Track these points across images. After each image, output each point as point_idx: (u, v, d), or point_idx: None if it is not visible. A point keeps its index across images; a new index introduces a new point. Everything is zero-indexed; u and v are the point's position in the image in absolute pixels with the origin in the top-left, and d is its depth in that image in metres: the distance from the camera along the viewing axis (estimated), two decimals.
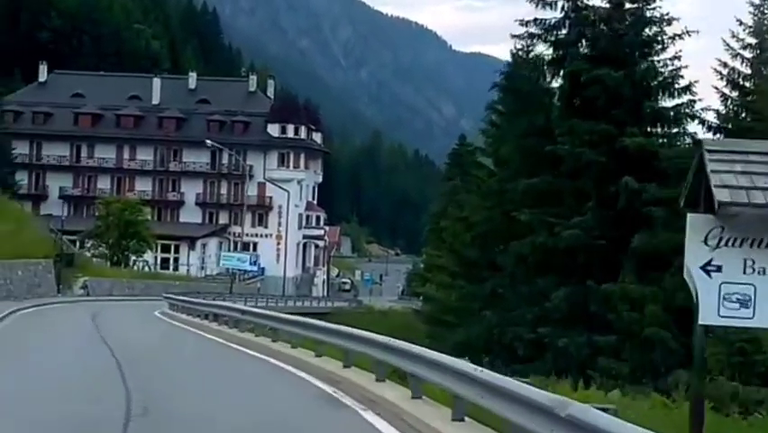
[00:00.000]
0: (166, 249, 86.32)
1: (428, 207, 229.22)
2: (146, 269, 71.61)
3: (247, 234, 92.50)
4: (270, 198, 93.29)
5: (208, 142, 59.60)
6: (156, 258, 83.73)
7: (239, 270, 75.44)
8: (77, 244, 71.41)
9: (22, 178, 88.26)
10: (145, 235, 68.14)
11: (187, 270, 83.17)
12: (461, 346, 30.08)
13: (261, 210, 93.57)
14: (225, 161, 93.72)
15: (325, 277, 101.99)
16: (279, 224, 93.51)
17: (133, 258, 69.67)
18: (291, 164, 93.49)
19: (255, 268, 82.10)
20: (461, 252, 39.17)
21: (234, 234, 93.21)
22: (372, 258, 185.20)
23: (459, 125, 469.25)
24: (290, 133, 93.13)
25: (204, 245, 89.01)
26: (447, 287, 40.20)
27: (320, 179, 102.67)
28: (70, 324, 33.00)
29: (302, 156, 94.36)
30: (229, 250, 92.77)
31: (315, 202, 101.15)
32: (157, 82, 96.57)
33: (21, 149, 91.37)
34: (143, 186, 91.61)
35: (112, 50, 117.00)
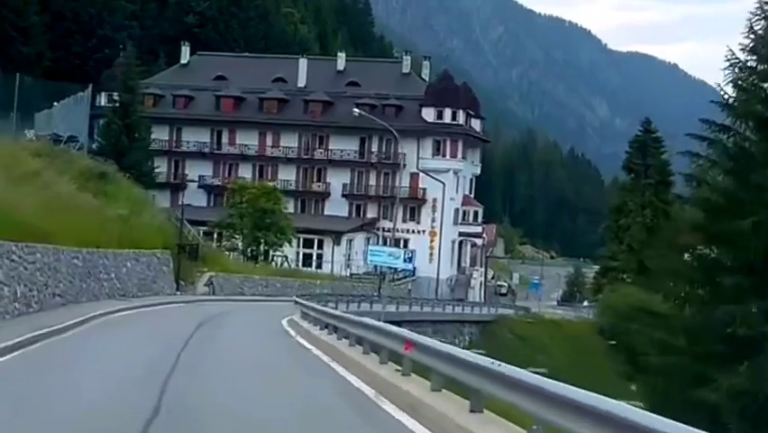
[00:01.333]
0: (308, 244, 77.03)
1: (586, 207, 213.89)
2: (285, 265, 62.22)
3: (397, 230, 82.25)
4: (424, 189, 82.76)
5: (356, 110, 49.41)
6: (298, 253, 74.52)
7: (389, 267, 64.97)
8: (209, 235, 62.75)
9: (159, 165, 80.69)
10: (283, 226, 58.65)
11: (331, 267, 73.48)
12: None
13: (414, 203, 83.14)
14: (375, 148, 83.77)
15: (483, 279, 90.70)
16: (433, 219, 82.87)
17: (271, 253, 60.35)
18: (448, 153, 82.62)
19: (409, 266, 71.46)
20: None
21: (383, 229, 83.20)
22: (526, 260, 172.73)
23: (613, 126, 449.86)
24: (447, 118, 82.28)
25: (350, 241, 79.28)
26: (678, 299, 28.21)
27: (478, 171, 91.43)
28: (158, 337, 23.02)
29: (459, 144, 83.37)
30: (378, 245, 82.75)
31: (471, 196, 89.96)
32: (303, 63, 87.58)
33: (160, 134, 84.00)
34: (286, 175, 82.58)
35: (259, 35, 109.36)
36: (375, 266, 61.16)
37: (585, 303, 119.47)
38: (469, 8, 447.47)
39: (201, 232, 58.67)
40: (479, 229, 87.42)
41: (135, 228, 41.04)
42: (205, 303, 41.21)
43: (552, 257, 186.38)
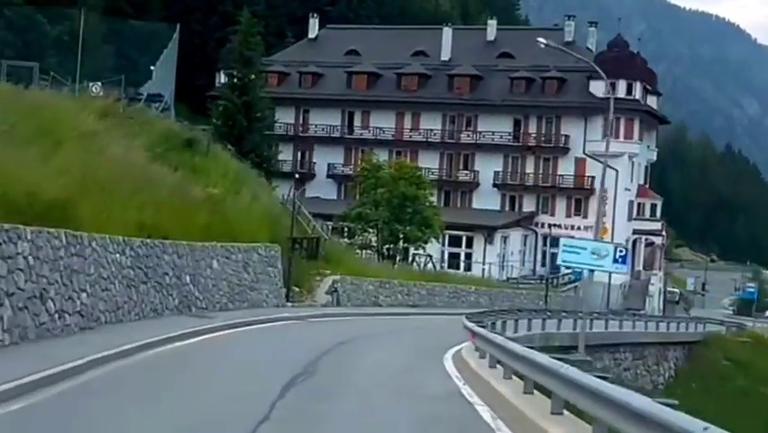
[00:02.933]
0: (454, 242, 63.42)
1: (746, 208, 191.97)
2: (429, 267, 48.91)
3: (559, 226, 67.78)
4: (592, 178, 67.86)
5: (541, 40, 35.36)
6: (442, 253, 61.09)
7: (589, 268, 50.74)
8: (338, 232, 49.86)
9: (283, 151, 68.73)
10: (429, 217, 45.19)
11: (482, 270, 59.63)
12: None
13: (579, 194, 68.40)
14: (533, 129, 69.42)
15: (662, 286, 74.93)
16: (603, 213, 67.73)
17: (412, 251, 46.92)
18: (621, 134, 67.50)
19: (622, 268, 56.76)
20: None
21: (542, 225, 68.83)
22: (684, 263, 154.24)
23: (763, 124, 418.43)
24: (621, 92, 67.13)
25: (504, 238, 65.24)
26: None
27: (654, 157, 75.76)
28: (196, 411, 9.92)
29: (636, 123, 68.16)
30: (535, 244, 68.53)
31: (647, 186, 74.43)
32: (447, 34, 74.00)
33: (284, 117, 72.32)
34: (428, 162, 68.73)
35: (395, 11, 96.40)
36: (560, 267, 47.10)
37: None
38: (609, 4, 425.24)
39: (329, 228, 45.97)
40: (657, 225, 71.77)
41: (232, 214, 28.51)
42: (323, 320, 28.25)
43: (712, 261, 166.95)
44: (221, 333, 21.57)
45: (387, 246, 44.58)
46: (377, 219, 43.52)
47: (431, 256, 50.75)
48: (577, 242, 29.86)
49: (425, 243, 45.30)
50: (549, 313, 37.20)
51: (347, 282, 34.18)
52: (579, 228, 67.87)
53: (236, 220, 28.60)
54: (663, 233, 71.81)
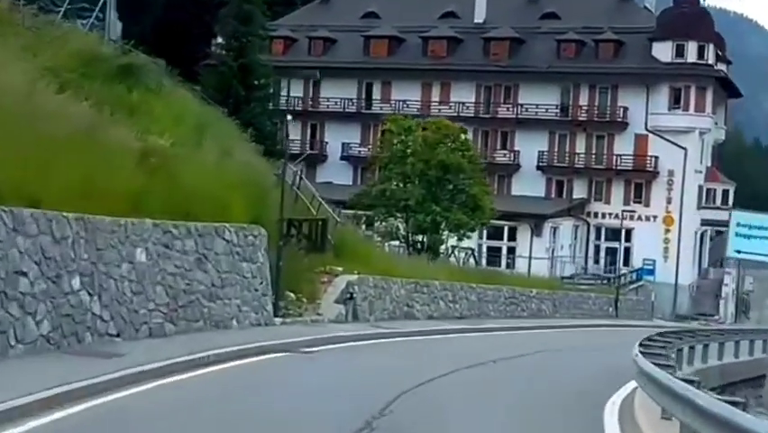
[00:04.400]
0: (494, 233, 51.70)
1: None
2: (470, 262, 37.23)
3: (616, 215, 56.16)
4: (655, 159, 56.04)
5: None
6: (479, 246, 49.49)
7: None
8: (355, 221, 37.68)
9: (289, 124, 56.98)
10: (478, 196, 33.19)
11: (528, 266, 47.83)
12: None
13: (640, 178, 56.56)
14: (584, 101, 57.62)
15: (735, 286, 62.95)
16: (669, 199, 56.03)
17: (450, 243, 34.99)
18: (691, 105, 55.62)
19: None
20: None
21: (595, 214, 57.19)
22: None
23: None
24: (691, 56, 55.39)
25: (554, 230, 53.46)
26: None
27: (722, 137, 63.81)
28: None
29: (709, 93, 56.27)
30: (587, 237, 56.88)
31: (716, 169, 62.53)
32: None
33: (291, 89, 60.99)
34: None
35: None
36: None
37: None
38: None
39: (339, 212, 34.20)
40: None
41: (186, 178, 17.08)
42: (337, 349, 16.85)
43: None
44: (119, 395, 10.21)
45: (419, 236, 32.81)
46: (406, 199, 31.78)
47: (472, 250, 39.13)
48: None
49: (472, 231, 33.41)
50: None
51: (368, 285, 22.63)
52: (639, 218, 56.12)
53: (193, 187, 17.19)
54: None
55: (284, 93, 61.01)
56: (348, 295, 21.39)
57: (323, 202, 24.97)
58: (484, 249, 50.16)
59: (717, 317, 56.41)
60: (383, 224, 32.47)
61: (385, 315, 23.22)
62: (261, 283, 18.28)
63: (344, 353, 16.64)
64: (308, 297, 21.16)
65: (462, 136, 33.48)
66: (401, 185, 32.32)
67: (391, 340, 19.74)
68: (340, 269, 22.52)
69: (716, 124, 60.39)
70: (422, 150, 32.38)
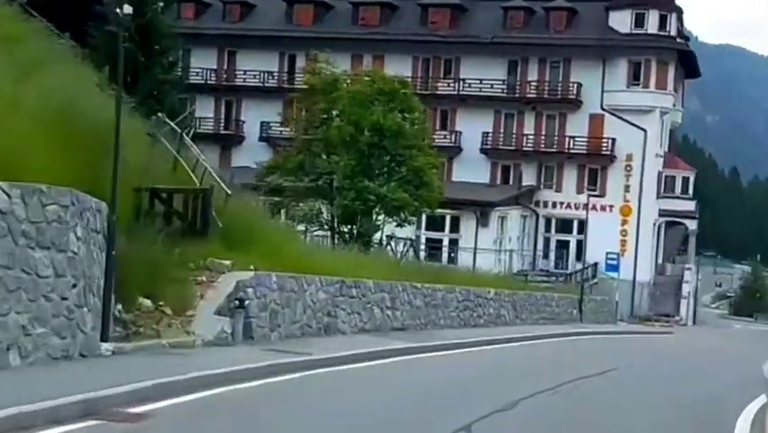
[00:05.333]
0: (434, 223, 44.46)
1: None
2: (410, 255, 29.79)
3: (567, 205, 49.70)
4: (612, 141, 49.57)
5: None
6: (417, 238, 42.20)
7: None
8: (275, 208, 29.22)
9: (201, 107, 49.25)
10: (423, 169, 25.16)
11: (473, 260, 40.65)
12: None
13: (595, 163, 50.04)
14: (533, 76, 50.82)
15: (696, 284, 56.86)
16: (627, 187, 49.62)
17: (387, 231, 27.26)
18: (652, 82, 49.29)
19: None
20: None
21: (545, 203, 50.53)
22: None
23: (703, 121, 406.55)
24: (652, 27, 49.07)
25: (501, 219, 46.44)
26: None
27: (679, 120, 57.70)
28: None
29: (671, 69, 50.01)
30: (536, 229, 50.24)
31: (674, 154, 56.48)
32: None
33: (203, 61, 53.24)
34: None
35: None
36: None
37: None
38: None
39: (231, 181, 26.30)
40: (690, 205, 53.72)
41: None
42: (180, 412, 8.90)
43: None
44: None
45: (349, 225, 25.02)
46: (330, 172, 24.02)
47: (413, 240, 31.79)
48: None
49: (415, 214, 25.72)
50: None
51: (270, 286, 15.02)
52: (594, 208, 49.57)
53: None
54: (697, 215, 53.76)
55: (196, 65, 53.29)
56: (237, 302, 13.85)
57: (209, 167, 17.32)
58: (423, 241, 42.90)
59: (678, 318, 50.31)
60: (300, 206, 24.62)
61: (295, 330, 15.69)
62: (75, 287, 10.57)
63: (207, 416, 9.09)
64: (175, 306, 13.51)
65: (404, 92, 25.95)
66: (324, 156, 24.66)
67: (301, 376, 12.25)
68: (227, 263, 14.88)
69: (673, 105, 54.25)
70: (351, 110, 24.76)
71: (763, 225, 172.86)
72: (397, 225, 26.13)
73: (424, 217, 43.58)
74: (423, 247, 42.28)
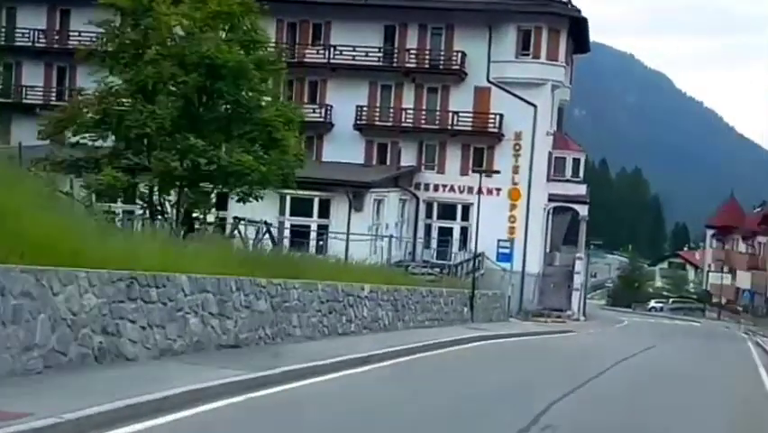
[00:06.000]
0: (300, 207, 37.94)
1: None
2: (266, 243, 23.37)
3: (450, 188, 44.39)
4: (499, 117, 44.30)
5: None
6: (281, 225, 35.64)
7: None
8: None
9: None
10: (273, 123, 18.73)
11: (346, 249, 34.31)
12: None
13: (481, 142, 44.68)
14: (412, 44, 45.05)
15: (586, 274, 52.28)
16: (516, 169, 44.48)
17: (212, 214, 20.48)
18: (543, 52, 44.26)
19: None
20: None
21: (426, 186, 44.97)
22: None
23: (572, 115, 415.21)
24: None
25: (377, 203, 40.34)
26: None
27: (567, 98, 53.09)
28: None
29: (563, 38, 45.12)
30: (416, 214, 44.66)
31: (566, 134, 51.88)
32: None
33: (31, 20, 45.25)
34: None
35: None
36: None
37: (654, 305, 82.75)
38: None
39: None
40: (581, 189, 49.11)
41: None
42: None
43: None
44: None
45: (175, 200, 18.18)
46: (144, 125, 16.97)
47: (268, 224, 25.21)
48: None
49: (262, 186, 18.98)
50: None
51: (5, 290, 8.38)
52: (480, 191, 44.25)
53: None
54: (588, 199, 49.22)
55: (22, 25, 45.36)
56: None
57: None
58: (286, 228, 36.31)
59: (569, 312, 45.63)
60: (99, 174, 17.52)
61: (30, 362, 9.10)
62: None
63: None
64: None
65: (248, 19, 19.16)
66: (140, 105, 17.71)
67: None
68: None
69: (564, 85, 49.54)
70: (171, 43, 17.91)
71: (632, 216, 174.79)
72: (239, 201, 19.44)
73: (288, 201, 37.27)
74: (287, 235, 35.71)
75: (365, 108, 44.93)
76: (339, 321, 17.62)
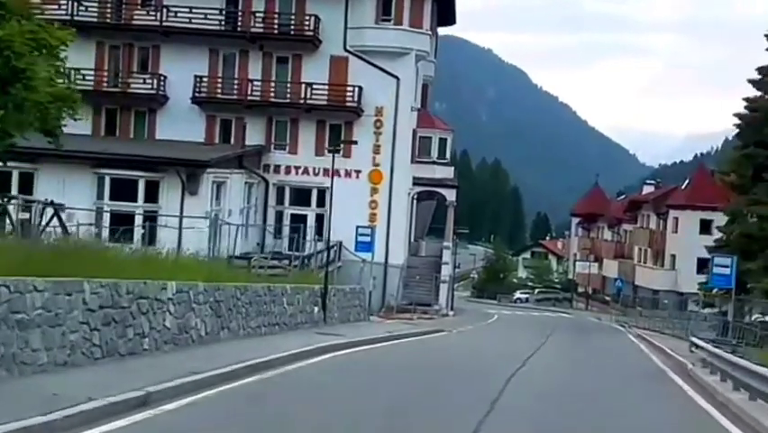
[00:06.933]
0: (122, 190, 31.70)
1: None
2: (54, 229, 17.62)
3: (304, 170, 39.30)
4: (358, 90, 39.28)
5: None
6: (98, 211, 29.44)
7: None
8: None
9: None
10: (16, 42, 13.19)
11: (179, 239, 28.49)
12: None
13: (338, 118, 39.54)
14: (259, 5, 39.40)
15: (453, 266, 48.02)
16: (377, 148, 39.59)
17: None
18: (406, 19, 39.53)
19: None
20: None
21: (277, 168, 39.63)
22: None
23: (433, 108, 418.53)
24: None
25: (217, 186, 34.49)
26: None
27: (432, 73, 48.70)
28: None
29: (427, 4, 40.50)
30: (265, 200, 39.35)
31: (430, 112, 47.52)
32: None
33: None
34: (76, 60, 35.38)
35: None
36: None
37: (520, 296, 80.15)
38: None
39: None
40: (448, 172, 44.73)
41: None
42: None
43: None
44: None
45: None
46: None
47: (57, 206, 19.18)
48: None
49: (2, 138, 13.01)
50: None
51: None
52: (338, 174, 39.30)
53: None
54: (457, 183, 44.92)
55: None
56: None
57: None
58: (106, 216, 30.06)
59: (436, 307, 41.26)
60: None
61: None
62: None
63: None
64: None
65: None
66: None
67: None
68: None
69: (426, 54, 45.11)
70: None
71: (493, 207, 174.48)
72: None
73: (107, 183, 31.12)
74: (106, 223, 29.47)
75: (205, 79, 39.03)
76: (122, 336, 12.07)
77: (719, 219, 55.86)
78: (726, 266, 23.82)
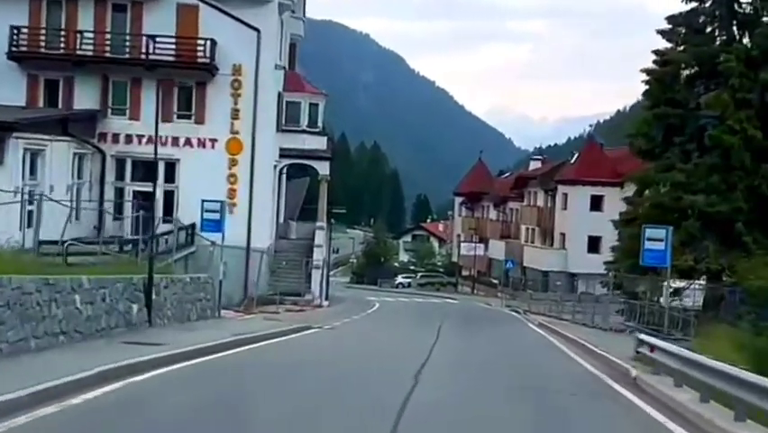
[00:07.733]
0: None
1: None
2: None
3: (149, 139, 32.90)
4: (211, 44, 33.14)
5: None
6: None
7: None
8: None
9: None
10: None
11: None
12: None
13: (188, 77, 33.31)
14: None
15: (328, 250, 42.40)
16: (235, 113, 33.56)
17: None
18: None
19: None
20: None
21: (115, 137, 33.15)
22: None
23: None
24: None
25: (32, 155, 27.82)
26: None
27: (301, 32, 42.83)
28: None
29: None
30: (102, 175, 32.85)
31: (299, 73, 41.71)
32: None
33: None
34: None
35: None
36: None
37: (402, 280, 75.56)
38: None
39: None
40: (320, 142, 39.05)
41: None
42: None
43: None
44: None
45: None
46: None
47: None
48: None
49: None
50: None
51: None
52: (189, 143, 33.28)
53: None
54: (330, 155, 39.34)
55: None
56: None
57: None
58: None
59: (309, 297, 35.71)
60: None
61: None
62: None
63: None
64: None
65: None
66: None
67: None
68: None
69: (292, 12, 39.31)
70: None
71: (372, 191, 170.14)
72: None
73: None
74: None
75: (24, 30, 32.14)
76: None
77: (610, 195, 52.64)
78: (661, 240, 19.31)
